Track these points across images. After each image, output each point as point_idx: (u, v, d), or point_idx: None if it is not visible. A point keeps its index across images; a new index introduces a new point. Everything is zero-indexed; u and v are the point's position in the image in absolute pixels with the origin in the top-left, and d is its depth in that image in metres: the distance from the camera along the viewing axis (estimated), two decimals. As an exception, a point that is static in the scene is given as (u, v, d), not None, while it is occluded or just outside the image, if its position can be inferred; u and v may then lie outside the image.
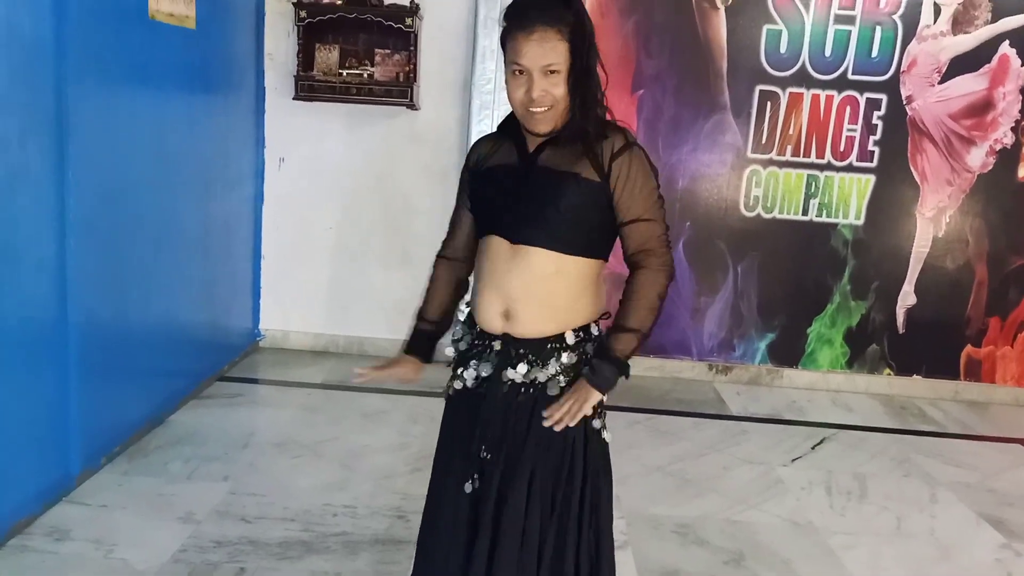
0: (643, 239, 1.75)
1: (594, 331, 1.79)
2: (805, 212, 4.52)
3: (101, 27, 2.84)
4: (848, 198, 4.50)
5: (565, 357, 1.74)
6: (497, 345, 1.76)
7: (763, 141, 4.45)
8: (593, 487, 1.76)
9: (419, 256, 4.61)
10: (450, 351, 1.88)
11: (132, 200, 3.16)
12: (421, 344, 1.93)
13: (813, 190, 4.50)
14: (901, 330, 4.61)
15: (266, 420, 3.75)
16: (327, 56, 4.37)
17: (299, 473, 3.18)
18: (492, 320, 1.76)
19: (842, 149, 4.45)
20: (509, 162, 1.76)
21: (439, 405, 4.25)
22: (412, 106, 4.32)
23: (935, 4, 4.31)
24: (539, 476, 1.72)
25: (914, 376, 4.64)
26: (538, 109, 1.65)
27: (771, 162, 4.47)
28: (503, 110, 4.27)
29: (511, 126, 1.78)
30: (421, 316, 1.95)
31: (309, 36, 4.29)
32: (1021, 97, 4.37)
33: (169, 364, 3.63)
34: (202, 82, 3.74)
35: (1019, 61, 4.34)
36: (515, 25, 1.64)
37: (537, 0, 1.63)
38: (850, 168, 4.47)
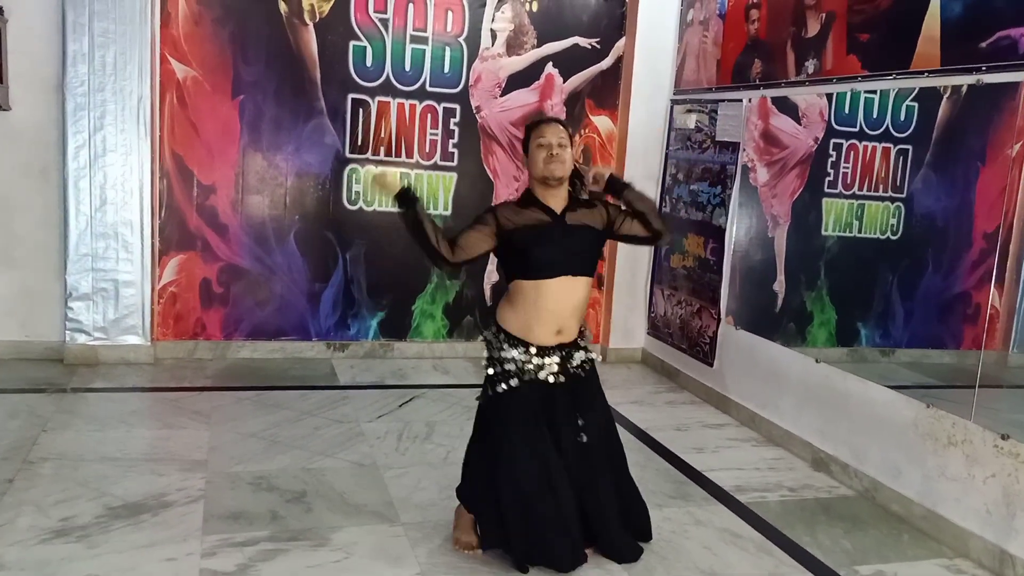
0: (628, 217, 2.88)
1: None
2: (400, 205, 5.16)
3: None
4: (437, 192, 5.23)
5: (581, 341, 2.85)
6: (553, 353, 2.77)
7: (359, 143, 5.02)
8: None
9: (23, 254, 4.62)
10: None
11: None
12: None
13: (407, 186, 5.13)
14: (488, 302, 5.44)
15: None
16: None
17: None
18: (549, 338, 2.74)
19: (427, 150, 5.16)
20: (543, 221, 2.71)
21: (40, 400, 4.31)
22: (0, 107, 4.29)
23: (492, 30, 5.16)
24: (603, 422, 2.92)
25: (500, 341, 5.50)
26: (556, 161, 2.66)
27: (367, 161, 5.05)
28: (99, 112, 4.44)
29: (529, 199, 2.75)
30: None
31: None
32: (565, 108, 5.38)
33: None
34: None
35: (561, 79, 5.34)
36: (540, 122, 2.78)
37: (552, 117, 2.99)
38: (435, 167, 5.19)
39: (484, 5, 5.13)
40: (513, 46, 5.22)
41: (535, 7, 5.23)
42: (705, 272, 4.94)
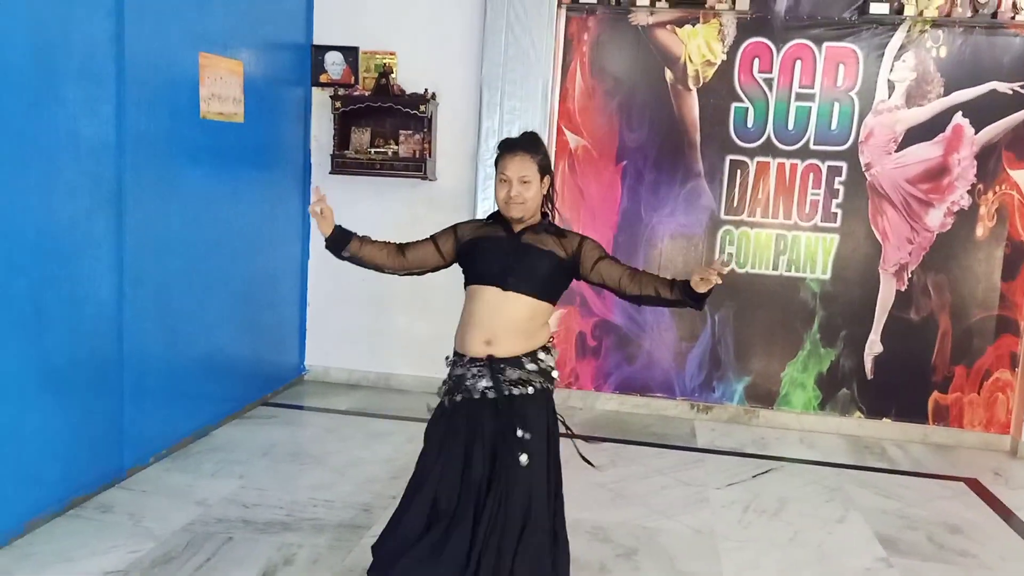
0: (617, 267, 2.57)
1: (546, 351, 2.61)
2: (775, 267, 5.01)
3: (157, 128, 3.78)
4: (815, 255, 4.96)
5: (530, 366, 2.53)
6: (483, 363, 2.51)
7: (735, 204, 5.00)
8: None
9: (438, 303, 5.39)
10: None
11: (181, 257, 4.07)
12: (340, 232, 2.66)
13: (782, 247, 4.99)
14: (869, 376, 4.99)
15: (289, 436, 4.55)
16: (360, 137, 5.27)
17: (300, 475, 3.95)
18: (478, 347, 2.52)
19: (807, 211, 4.94)
20: (498, 236, 2.59)
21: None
22: (426, 177, 5.13)
23: (889, 81, 4.78)
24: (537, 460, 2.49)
25: (884, 419, 4.99)
26: (514, 204, 2.52)
27: (742, 223, 5.00)
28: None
29: (496, 218, 2.64)
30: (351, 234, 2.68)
31: (345, 121, 5.20)
32: (976, 163, 4.75)
33: (215, 390, 4.50)
34: (249, 163, 4.67)
35: (972, 130, 4.74)
36: (505, 150, 2.57)
37: (521, 138, 2.60)
38: (815, 228, 4.94)
39: (883, 55, 4.79)
40: (914, 96, 4.77)
41: (943, 53, 4.73)
42: None
